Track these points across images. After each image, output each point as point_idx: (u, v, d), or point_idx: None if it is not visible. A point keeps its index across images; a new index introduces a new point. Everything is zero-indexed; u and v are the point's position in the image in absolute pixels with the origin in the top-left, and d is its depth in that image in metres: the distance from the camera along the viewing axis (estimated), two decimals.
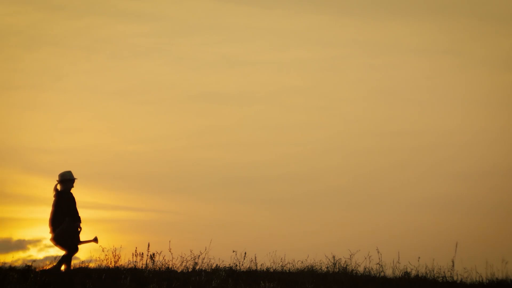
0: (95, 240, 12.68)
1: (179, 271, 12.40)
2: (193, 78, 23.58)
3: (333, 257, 13.18)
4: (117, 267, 12.31)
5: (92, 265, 12.53)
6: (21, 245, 13.10)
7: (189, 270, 12.50)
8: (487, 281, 12.66)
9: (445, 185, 22.16)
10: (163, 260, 12.94)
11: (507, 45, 23.36)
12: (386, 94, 24.00)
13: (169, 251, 12.96)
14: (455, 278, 12.80)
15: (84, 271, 11.27)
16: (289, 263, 13.28)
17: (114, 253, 12.79)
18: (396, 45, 23.73)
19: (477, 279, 12.76)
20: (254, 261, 13.23)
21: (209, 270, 12.26)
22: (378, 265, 12.85)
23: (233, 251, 13.25)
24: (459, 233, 18.83)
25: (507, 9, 23.23)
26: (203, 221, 12.83)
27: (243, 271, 12.19)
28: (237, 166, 21.82)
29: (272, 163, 22.21)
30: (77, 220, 12.53)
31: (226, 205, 20.41)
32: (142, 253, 12.75)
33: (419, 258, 12.96)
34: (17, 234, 12.08)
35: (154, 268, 12.44)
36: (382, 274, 12.72)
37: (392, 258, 12.96)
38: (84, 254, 12.65)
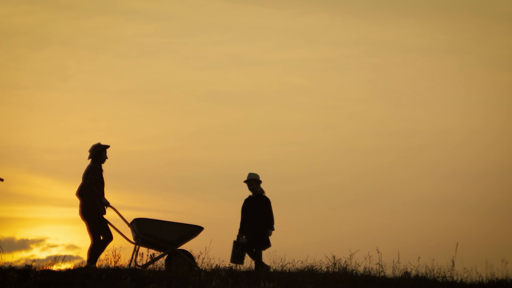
0: (239, 240, 13.15)
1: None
2: (200, 77, 23.61)
3: (333, 257, 13.18)
4: (117, 267, 12.30)
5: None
6: (24, 244, 13.11)
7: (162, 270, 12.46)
8: (487, 281, 12.65)
9: (445, 185, 22.18)
10: (163, 260, 12.94)
11: (507, 45, 23.36)
12: (386, 94, 24.00)
13: None
14: (455, 278, 12.80)
15: (84, 271, 11.27)
16: (289, 263, 13.29)
17: (114, 253, 12.80)
18: (396, 45, 23.75)
19: (477, 279, 12.75)
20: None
21: (209, 270, 12.26)
22: (378, 265, 12.85)
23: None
24: (459, 232, 18.83)
25: (507, 9, 23.23)
26: (203, 221, 12.85)
27: (243, 271, 12.19)
28: (239, 166, 21.82)
29: (274, 162, 22.23)
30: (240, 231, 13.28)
31: (227, 205, 20.40)
32: (142, 253, 12.75)
33: (419, 258, 12.96)
34: (20, 233, 12.09)
35: (154, 268, 12.44)
36: (382, 274, 12.71)
37: (392, 258, 12.97)
38: (85, 254, 12.66)
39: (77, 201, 12.51)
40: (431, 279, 12.55)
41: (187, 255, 12.83)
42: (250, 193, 13.44)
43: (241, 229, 13.26)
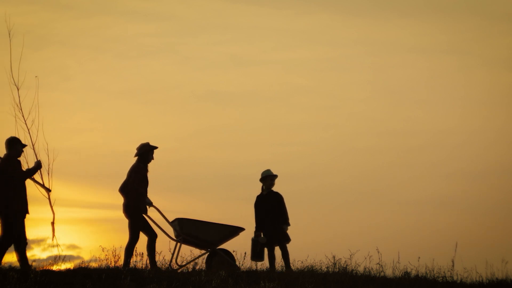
0: (262, 240, 13.21)
1: (179, 271, 12.41)
2: (200, 77, 23.61)
3: (333, 257, 13.19)
4: (117, 267, 12.31)
5: (92, 264, 12.55)
6: None
7: (189, 270, 12.52)
8: (487, 281, 12.65)
9: (445, 185, 22.18)
10: (163, 260, 12.96)
11: (507, 45, 23.37)
12: (386, 94, 24.02)
13: (169, 251, 12.98)
14: (455, 278, 12.80)
15: (84, 271, 11.28)
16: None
17: (114, 253, 12.81)
18: (396, 45, 23.76)
19: (477, 279, 12.75)
20: None
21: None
22: (378, 265, 12.85)
23: (233, 251, 13.31)
24: (459, 232, 18.83)
25: (507, 9, 23.24)
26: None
27: (243, 271, 12.20)
28: (239, 166, 21.83)
29: (274, 162, 22.22)
30: (257, 228, 13.31)
31: (227, 205, 20.41)
32: (142, 253, 12.76)
33: (419, 258, 12.96)
34: None
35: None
36: (382, 274, 12.71)
37: (392, 258, 12.97)
38: (86, 254, 12.69)
39: (78, 201, 12.55)
40: (431, 279, 12.55)
41: (228, 254, 13.03)
42: (259, 191, 13.52)
43: (258, 227, 13.32)
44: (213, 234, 12.95)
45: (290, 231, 13.41)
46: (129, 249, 12.52)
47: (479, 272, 12.82)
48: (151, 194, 12.67)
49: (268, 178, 13.40)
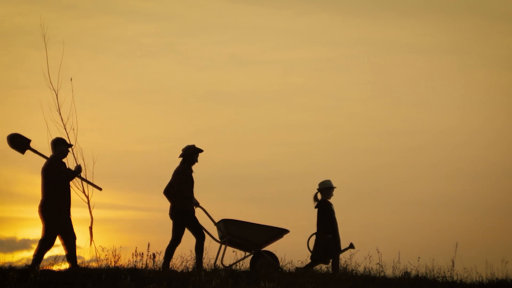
0: (352, 246, 13.17)
1: (179, 271, 12.41)
2: (200, 77, 23.59)
3: None
4: (117, 267, 12.31)
5: (92, 264, 12.54)
6: (25, 244, 13.13)
7: (189, 270, 12.52)
8: (487, 281, 12.65)
9: (445, 185, 22.16)
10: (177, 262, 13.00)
11: (507, 45, 23.37)
12: (386, 94, 24.01)
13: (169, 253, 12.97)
14: (455, 278, 12.80)
15: (84, 271, 11.27)
16: (289, 263, 13.32)
17: (114, 253, 12.81)
18: (396, 45, 23.75)
19: (477, 279, 12.75)
20: None
21: (209, 270, 12.28)
22: (378, 265, 12.86)
23: (233, 251, 13.32)
24: (459, 232, 18.82)
25: (507, 9, 23.24)
26: (202, 221, 12.90)
27: (243, 271, 12.20)
28: (239, 166, 21.82)
29: (274, 162, 22.23)
30: (330, 232, 13.14)
31: (227, 205, 20.40)
32: (142, 253, 12.76)
33: (419, 258, 12.97)
34: (22, 233, 12.11)
35: (154, 268, 12.44)
36: (382, 274, 12.71)
37: (392, 258, 12.98)
38: (87, 254, 12.67)
39: (78, 201, 12.52)
40: (431, 279, 12.55)
41: (272, 256, 13.11)
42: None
43: (336, 233, 13.42)
44: (258, 236, 13.04)
45: (291, 231, 13.44)
46: (169, 251, 12.64)
47: (479, 272, 12.83)
48: (152, 194, 12.69)
49: (331, 189, 13.51)
